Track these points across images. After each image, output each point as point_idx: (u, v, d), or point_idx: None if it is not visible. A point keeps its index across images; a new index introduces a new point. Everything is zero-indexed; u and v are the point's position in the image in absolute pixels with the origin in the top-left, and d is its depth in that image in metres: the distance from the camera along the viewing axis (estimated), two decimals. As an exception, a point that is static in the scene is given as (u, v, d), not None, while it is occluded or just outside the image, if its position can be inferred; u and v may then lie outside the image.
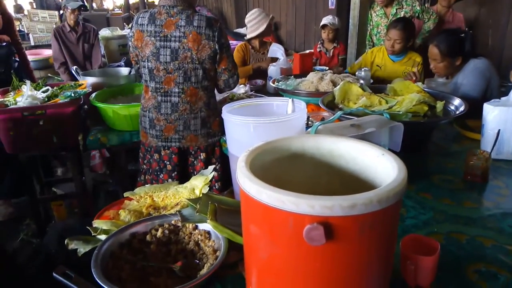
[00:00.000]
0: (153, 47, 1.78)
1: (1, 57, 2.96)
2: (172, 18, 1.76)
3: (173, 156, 1.94)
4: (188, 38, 1.74)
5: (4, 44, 3.03)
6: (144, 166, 2.02)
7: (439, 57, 2.14)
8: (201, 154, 1.95)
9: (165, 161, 1.95)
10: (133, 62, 1.99)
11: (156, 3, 9.95)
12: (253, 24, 3.16)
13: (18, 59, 3.18)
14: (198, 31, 1.74)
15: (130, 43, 1.88)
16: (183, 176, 1.99)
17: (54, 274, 0.77)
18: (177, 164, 1.95)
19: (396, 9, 3.22)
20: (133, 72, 2.88)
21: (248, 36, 3.21)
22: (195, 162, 1.98)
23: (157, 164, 1.96)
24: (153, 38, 1.77)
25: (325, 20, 3.62)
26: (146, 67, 1.84)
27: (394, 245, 0.69)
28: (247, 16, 3.22)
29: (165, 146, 1.91)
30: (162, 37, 1.76)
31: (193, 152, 1.96)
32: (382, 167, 0.72)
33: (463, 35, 2.15)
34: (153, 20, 1.77)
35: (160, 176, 1.97)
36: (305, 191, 0.59)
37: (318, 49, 3.81)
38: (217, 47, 1.78)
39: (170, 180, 1.96)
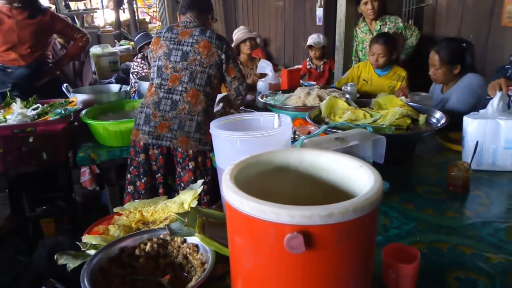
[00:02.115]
0: (166, 48, 1.99)
1: (19, 77, 2.82)
2: (188, 29, 2.00)
3: (160, 157, 1.96)
4: (200, 44, 1.97)
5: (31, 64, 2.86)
6: (131, 175, 2.01)
7: (438, 63, 2.17)
8: (190, 163, 1.96)
9: (151, 161, 1.97)
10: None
11: (147, 20, 10.06)
12: (235, 39, 3.33)
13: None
14: (209, 40, 1.98)
15: (148, 50, 2.10)
16: (166, 184, 2.04)
17: (43, 288, 0.78)
18: (163, 166, 1.98)
19: (380, 26, 3.33)
20: (124, 88, 2.92)
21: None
22: (182, 173, 1.99)
23: (141, 167, 1.97)
24: (167, 42, 2.00)
25: (310, 40, 3.73)
26: (156, 65, 2.00)
27: (373, 253, 0.72)
28: (234, 32, 3.38)
29: (154, 144, 1.93)
30: (176, 42, 1.98)
31: (181, 161, 1.97)
32: (361, 178, 0.76)
33: (464, 45, 2.19)
34: (171, 30, 2.04)
35: (143, 180, 1.98)
36: (288, 202, 0.62)
37: (307, 66, 3.90)
38: (223, 57, 2.00)
39: (153, 182, 2.00)
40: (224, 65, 2.01)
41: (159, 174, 2.00)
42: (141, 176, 1.99)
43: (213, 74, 1.99)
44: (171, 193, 2.10)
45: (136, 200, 1.35)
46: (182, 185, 2.01)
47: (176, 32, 2.01)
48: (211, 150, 1.99)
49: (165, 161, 1.99)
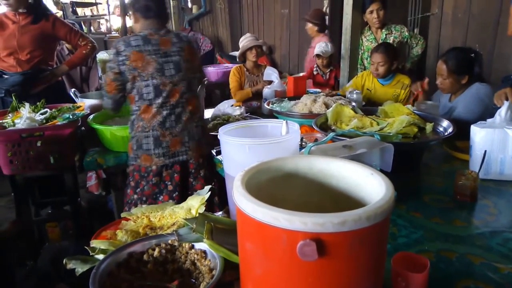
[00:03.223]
0: (156, 63, 1.86)
1: (12, 84, 2.78)
2: (164, 37, 1.89)
3: (175, 175, 1.95)
4: (185, 51, 1.94)
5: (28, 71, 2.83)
6: (135, 196, 1.96)
7: (445, 72, 2.16)
8: (201, 171, 1.98)
9: (166, 182, 1.95)
10: (114, 91, 1.90)
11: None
12: (241, 46, 3.35)
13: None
14: (190, 45, 1.97)
15: (122, 67, 1.84)
16: (183, 198, 1.97)
17: (54, 292, 0.78)
18: (178, 183, 1.96)
19: (386, 34, 3.34)
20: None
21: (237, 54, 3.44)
22: (194, 182, 2.00)
23: (156, 187, 1.94)
24: (154, 56, 1.85)
25: (318, 49, 3.75)
26: (151, 85, 1.86)
27: (384, 261, 0.72)
28: (240, 39, 3.39)
29: (172, 162, 1.92)
30: (163, 54, 1.87)
31: (193, 171, 1.98)
32: (371, 186, 0.76)
33: (473, 55, 2.18)
34: (148, 41, 1.87)
35: (160, 198, 1.95)
36: (297, 209, 0.62)
37: (314, 72, 3.92)
38: (199, 57, 2.05)
39: (170, 201, 1.95)
40: (199, 63, 2.07)
41: (176, 193, 1.97)
42: (156, 196, 1.95)
43: (199, 77, 2.05)
44: None
45: (143, 206, 1.35)
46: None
47: (155, 43, 1.86)
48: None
49: (180, 179, 1.97)
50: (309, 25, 4.12)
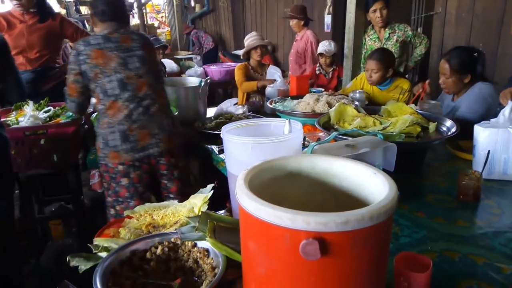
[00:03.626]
0: (118, 58, 1.85)
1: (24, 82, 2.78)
2: (124, 35, 1.92)
3: (144, 176, 1.90)
4: (146, 46, 1.97)
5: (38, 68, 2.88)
6: (110, 199, 1.95)
7: (448, 72, 2.15)
8: (175, 172, 1.95)
9: (136, 184, 1.89)
10: (75, 94, 1.90)
11: (156, 25, 10.12)
12: (246, 44, 3.35)
13: None
14: (148, 41, 2.03)
15: (83, 66, 1.83)
16: (156, 201, 1.93)
17: (58, 289, 0.79)
18: (148, 184, 1.92)
19: (389, 34, 3.33)
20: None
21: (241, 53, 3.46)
22: (169, 184, 1.97)
23: (126, 190, 1.89)
24: (115, 52, 1.86)
25: (321, 48, 3.74)
26: (114, 80, 1.83)
27: (387, 261, 0.72)
28: (245, 37, 3.40)
29: (141, 157, 1.87)
30: (125, 49, 1.88)
31: (166, 172, 1.95)
32: (374, 186, 0.76)
33: (476, 54, 2.17)
34: (108, 39, 1.88)
35: (131, 203, 1.89)
36: (300, 208, 0.62)
37: (317, 71, 3.92)
38: (156, 54, 2.09)
39: (142, 202, 1.88)
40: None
41: (147, 194, 1.94)
42: (123, 200, 1.91)
43: (164, 70, 2.08)
44: None
45: (146, 204, 1.35)
46: (172, 196, 1.98)
47: (116, 41, 1.87)
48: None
49: (150, 179, 1.93)
50: (294, 21, 4.16)
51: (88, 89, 1.90)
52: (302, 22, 4.15)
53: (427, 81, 2.52)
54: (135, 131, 1.85)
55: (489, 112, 2.09)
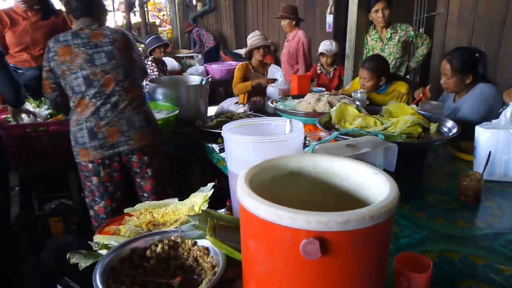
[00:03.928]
0: (85, 55, 1.82)
1: (29, 79, 2.81)
2: (96, 31, 1.88)
3: (114, 174, 1.87)
4: (119, 41, 1.90)
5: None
6: (87, 199, 1.94)
7: (449, 72, 2.15)
8: (148, 170, 1.92)
9: (106, 183, 1.87)
10: (48, 91, 1.92)
11: (157, 23, 10.12)
12: (249, 43, 3.34)
13: None
14: (124, 37, 1.94)
15: (52, 63, 1.84)
16: (130, 200, 1.90)
17: (58, 286, 0.79)
18: (120, 183, 1.89)
19: (391, 34, 3.33)
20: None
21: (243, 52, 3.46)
22: (142, 182, 1.95)
23: (97, 190, 1.88)
24: (82, 48, 1.83)
25: (322, 47, 3.74)
26: (80, 76, 1.82)
27: (387, 261, 0.72)
28: (248, 36, 3.40)
29: (111, 154, 1.84)
30: (93, 45, 1.85)
31: (138, 170, 1.91)
32: (375, 186, 0.76)
33: (477, 55, 2.16)
34: (77, 35, 1.85)
35: (101, 204, 1.88)
36: (301, 207, 0.62)
37: (318, 71, 3.91)
38: (135, 49, 2.01)
39: (114, 204, 1.90)
40: (136, 54, 2.02)
41: (119, 193, 1.91)
42: (98, 200, 1.90)
43: (140, 66, 2.01)
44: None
45: (146, 202, 1.35)
46: (146, 195, 1.96)
47: (85, 37, 1.85)
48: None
49: (122, 177, 1.90)
50: (286, 21, 4.15)
51: (60, 85, 1.90)
52: (294, 22, 4.14)
53: (428, 87, 2.52)
54: (103, 128, 1.83)
55: (491, 113, 2.08)
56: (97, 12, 1.96)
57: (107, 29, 1.91)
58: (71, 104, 1.88)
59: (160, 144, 1.99)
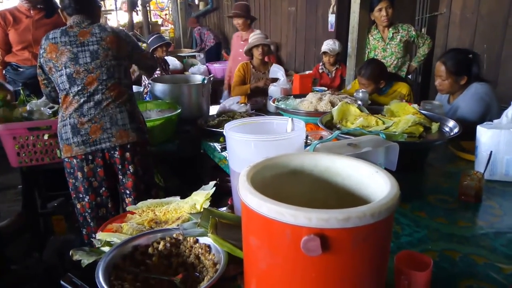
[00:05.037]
0: (70, 53, 1.84)
1: (29, 77, 2.83)
2: (85, 29, 1.89)
3: (98, 170, 1.88)
4: (106, 40, 1.88)
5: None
6: (72, 197, 1.95)
7: (444, 74, 2.16)
8: (129, 167, 1.93)
9: (90, 178, 1.88)
10: (42, 86, 2.00)
11: (159, 22, 10.12)
12: (249, 42, 3.35)
13: None
14: (114, 34, 1.92)
15: (41, 60, 1.89)
16: (114, 197, 1.96)
17: (62, 282, 0.80)
18: (104, 178, 1.90)
19: (393, 33, 3.33)
20: (137, 89, 2.95)
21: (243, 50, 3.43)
22: (124, 179, 1.95)
23: (81, 185, 1.89)
24: (69, 46, 1.85)
25: (325, 46, 3.74)
26: (64, 74, 1.84)
27: (387, 258, 0.73)
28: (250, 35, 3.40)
29: (93, 151, 1.86)
30: (79, 44, 1.86)
31: (120, 167, 1.92)
32: (376, 184, 0.76)
33: (471, 55, 2.17)
34: (66, 33, 1.87)
35: (86, 199, 1.90)
36: (302, 205, 0.63)
37: (320, 70, 3.91)
38: (130, 47, 1.99)
39: (98, 199, 1.91)
40: (135, 55, 2.03)
41: (103, 189, 1.92)
42: (82, 196, 1.91)
43: (127, 65, 2.00)
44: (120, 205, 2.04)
45: (148, 200, 1.36)
46: (128, 192, 1.96)
47: (73, 35, 1.86)
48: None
49: (106, 173, 1.91)
50: (241, 20, 4.04)
51: (51, 81, 1.95)
52: (249, 21, 4.10)
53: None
54: (86, 124, 1.85)
55: (488, 111, 2.11)
56: (90, 9, 1.97)
57: (97, 28, 1.91)
58: (60, 101, 1.93)
59: (144, 143, 1.99)
